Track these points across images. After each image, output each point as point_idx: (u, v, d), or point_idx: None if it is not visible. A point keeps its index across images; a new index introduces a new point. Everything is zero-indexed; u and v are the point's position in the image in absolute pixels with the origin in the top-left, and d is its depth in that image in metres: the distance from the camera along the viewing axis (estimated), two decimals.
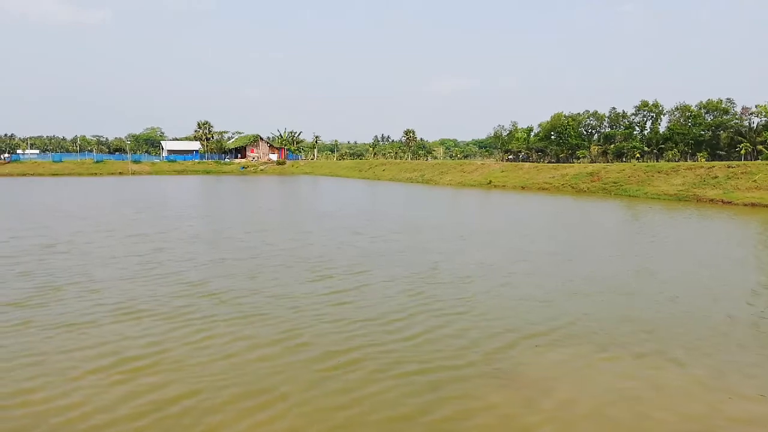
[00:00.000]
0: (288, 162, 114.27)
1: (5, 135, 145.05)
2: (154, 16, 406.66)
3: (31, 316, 10.42)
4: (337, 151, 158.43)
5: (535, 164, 70.78)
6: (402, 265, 15.81)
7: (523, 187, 57.72)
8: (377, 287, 13.08)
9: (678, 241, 21.33)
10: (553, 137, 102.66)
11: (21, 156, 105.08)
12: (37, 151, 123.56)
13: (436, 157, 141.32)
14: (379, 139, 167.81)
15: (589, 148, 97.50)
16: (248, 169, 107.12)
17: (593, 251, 18.61)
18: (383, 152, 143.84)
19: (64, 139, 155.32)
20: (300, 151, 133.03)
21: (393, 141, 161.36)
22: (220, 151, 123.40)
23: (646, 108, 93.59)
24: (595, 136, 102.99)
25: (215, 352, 8.70)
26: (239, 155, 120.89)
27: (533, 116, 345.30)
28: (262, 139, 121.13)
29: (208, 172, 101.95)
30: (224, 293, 12.36)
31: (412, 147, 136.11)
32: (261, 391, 7.31)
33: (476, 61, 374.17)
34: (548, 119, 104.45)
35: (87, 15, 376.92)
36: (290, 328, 9.89)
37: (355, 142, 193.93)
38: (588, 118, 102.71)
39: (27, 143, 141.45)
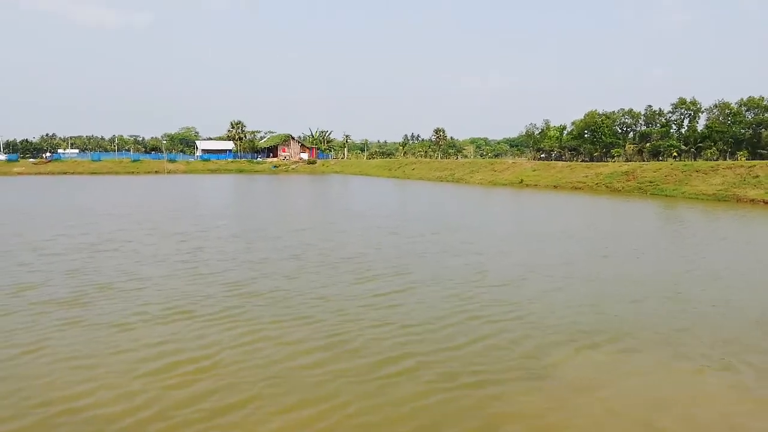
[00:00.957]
0: (318, 161, 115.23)
1: (47, 135, 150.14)
2: (192, 20, 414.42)
3: (81, 316, 10.57)
4: (366, 150, 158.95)
5: (569, 163, 69.75)
6: (444, 266, 15.64)
7: (555, 187, 56.97)
8: (423, 290, 12.88)
9: (735, 242, 20.75)
10: (586, 136, 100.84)
11: (62, 155, 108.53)
12: (77, 151, 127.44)
13: (466, 156, 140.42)
14: (409, 138, 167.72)
15: (624, 146, 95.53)
16: (280, 168, 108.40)
17: (642, 253, 18.03)
18: (413, 151, 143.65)
19: (102, 138, 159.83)
20: (330, 150, 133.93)
21: (423, 140, 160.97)
22: (253, 150, 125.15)
23: (684, 105, 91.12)
24: (631, 135, 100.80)
25: (267, 356, 8.62)
26: (271, 154, 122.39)
27: (566, 114, 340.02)
28: (293, 138, 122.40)
29: (240, 171, 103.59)
30: (269, 294, 12.38)
31: (442, 146, 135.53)
32: (318, 399, 7.19)
33: (508, 59, 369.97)
34: (582, 117, 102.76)
35: (127, 18, 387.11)
36: (339, 332, 9.78)
37: (385, 141, 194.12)
38: (623, 116, 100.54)
39: (67, 143, 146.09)
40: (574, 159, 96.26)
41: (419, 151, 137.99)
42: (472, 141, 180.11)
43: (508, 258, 17.16)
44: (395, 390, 7.49)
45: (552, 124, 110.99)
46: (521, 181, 62.42)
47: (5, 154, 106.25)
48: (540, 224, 26.61)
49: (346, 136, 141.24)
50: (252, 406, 6.99)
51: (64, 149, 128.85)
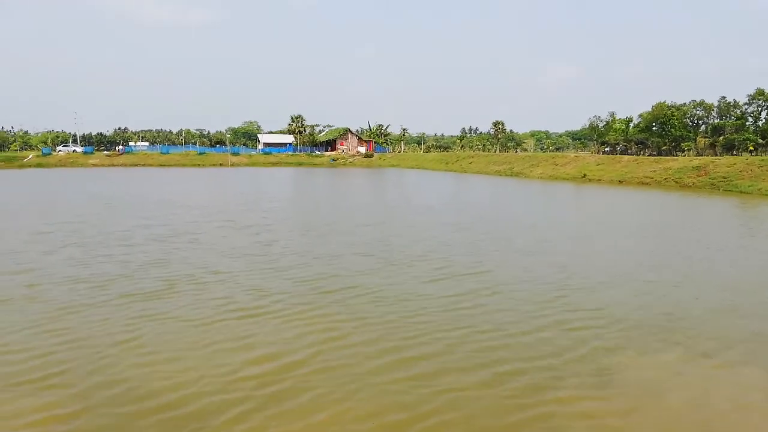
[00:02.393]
0: (375, 154, 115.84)
1: (119, 129, 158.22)
2: (256, 15, 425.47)
3: (165, 309, 10.80)
4: (423, 143, 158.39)
5: (635, 157, 66.98)
6: (523, 265, 15.30)
7: (620, 182, 54.88)
8: (506, 293, 12.50)
9: None
10: (654, 128, 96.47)
11: (133, 148, 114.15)
12: (147, 144, 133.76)
13: (525, 150, 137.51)
14: (467, 132, 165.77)
15: (695, 140, 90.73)
16: (338, 161, 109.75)
17: (733, 256, 17.04)
18: (470, 144, 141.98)
19: (170, 132, 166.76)
20: (387, 144, 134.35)
21: (481, 133, 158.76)
22: (312, 144, 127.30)
23: (762, 97, 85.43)
24: (702, 128, 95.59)
25: (352, 363, 8.42)
26: (329, 148, 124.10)
27: (633, 106, 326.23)
28: (351, 132, 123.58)
29: (300, 164, 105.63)
30: (346, 291, 12.34)
31: (501, 139, 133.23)
32: (392, 406, 7.15)
33: (573, 49, 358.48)
34: (650, 109, 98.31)
35: (194, 14, 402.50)
36: (420, 333, 9.67)
37: (442, 135, 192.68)
38: (694, 108, 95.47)
39: (138, 136, 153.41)
40: (641, 153, 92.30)
41: (477, 145, 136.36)
42: (533, 134, 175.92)
43: (587, 258, 16.61)
44: (488, 400, 7.39)
45: (617, 117, 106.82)
46: (584, 175, 60.51)
47: (82, 147, 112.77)
48: (615, 221, 25.72)
49: (404, 130, 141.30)
50: (332, 409, 6.98)
51: (135, 142, 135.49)
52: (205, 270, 14.19)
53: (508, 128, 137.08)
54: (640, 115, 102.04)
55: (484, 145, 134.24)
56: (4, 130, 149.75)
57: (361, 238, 19.81)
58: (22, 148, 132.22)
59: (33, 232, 19.84)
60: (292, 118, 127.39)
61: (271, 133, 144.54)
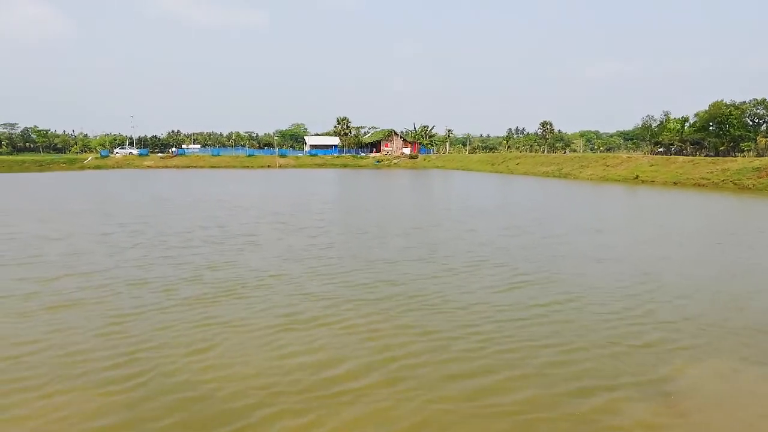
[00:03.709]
0: (420, 156, 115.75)
1: (172, 131, 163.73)
2: (304, 18, 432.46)
3: (228, 314, 10.74)
4: (469, 144, 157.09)
5: (691, 158, 64.42)
6: (605, 274, 14.48)
7: (675, 183, 52.94)
8: (589, 305, 11.65)
9: None
10: (711, 128, 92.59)
11: (185, 150, 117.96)
12: (199, 146, 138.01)
13: (575, 150, 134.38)
14: (513, 132, 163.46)
15: (755, 140, 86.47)
16: (382, 162, 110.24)
17: None
18: (517, 145, 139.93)
19: (221, 134, 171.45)
20: (432, 145, 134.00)
21: (528, 133, 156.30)
22: (357, 145, 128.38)
23: None
24: (763, 127, 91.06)
25: (411, 376, 8.09)
26: (374, 149, 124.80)
27: (688, 106, 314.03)
28: (396, 133, 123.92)
29: (345, 166, 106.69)
30: (409, 299, 11.87)
31: (549, 139, 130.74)
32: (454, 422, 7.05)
33: (624, 47, 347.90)
34: (706, 108, 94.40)
35: (245, 17, 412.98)
36: (481, 346, 9.21)
37: (488, 135, 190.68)
38: (754, 106, 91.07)
39: (190, 138, 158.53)
40: (697, 154, 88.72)
41: (524, 145, 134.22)
42: (582, 134, 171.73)
43: (663, 265, 15.61)
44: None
45: (672, 116, 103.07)
46: (636, 176, 58.66)
47: (137, 149, 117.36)
48: (681, 225, 24.64)
49: (448, 131, 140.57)
50: (382, 417, 6.99)
51: (188, 145, 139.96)
52: (265, 273, 14.21)
53: (556, 128, 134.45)
54: (696, 115, 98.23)
55: (531, 145, 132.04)
56: (66, 133, 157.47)
57: (416, 241, 19.51)
58: (82, 150, 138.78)
59: (97, 233, 20.69)
60: (337, 120, 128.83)
61: (317, 135, 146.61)
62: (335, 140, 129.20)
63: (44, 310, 10.81)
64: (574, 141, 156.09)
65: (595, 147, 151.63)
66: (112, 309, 10.97)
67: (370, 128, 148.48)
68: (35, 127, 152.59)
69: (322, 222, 24.95)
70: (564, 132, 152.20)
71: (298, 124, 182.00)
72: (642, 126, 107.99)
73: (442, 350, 9.13)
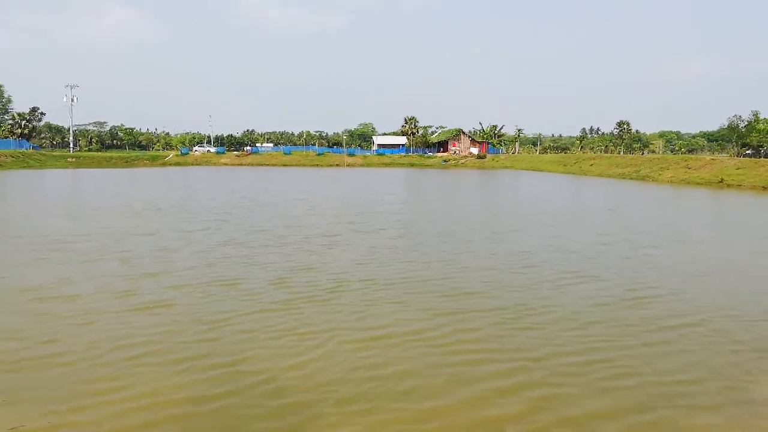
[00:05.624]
0: (488, 156, 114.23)
1: (247, 130, 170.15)
2: (377, 20, 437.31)
3: (318, 319, 10.83)
4: (540, 144, 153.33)
5: None
6: (732, 293, 13.07)
7: (764, 187, 49.55)
8: (702, 326, 10.52)
9: None
10: None
11: (259, 149, 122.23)
12: (272, 145, 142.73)
13: (653, 151, 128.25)
14: (587, 132, 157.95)
15: None
16: (449, 162, 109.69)
17: None
18: (591, 146, 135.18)
19: (292, 134, 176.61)
20: (501, 145, 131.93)
21: (603, 134, 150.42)
22: (424, 145, 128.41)
23: None
24: None
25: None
26: (441, 149, 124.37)
27: None
28: (464, 133, 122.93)
29: (411, 165, 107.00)
30: (511, 315, 11.04)
31: (626, 140, 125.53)
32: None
33: (708, 43, 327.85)
34: None
35: (324, 21, 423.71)
36: (575, 373, 8.29)
37: (560, 135, 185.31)
38: None
39: (264, 137, 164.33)
40: None
41: (598, 146, 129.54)
42: (661, 135, 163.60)
43: None
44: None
45: (761, 116, 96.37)
46: (721, 180, 55.36)
47: (215, 147, 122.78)
48: None
49: (519, 130, 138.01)
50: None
51: (261, 143, 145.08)
52: (353, 277, 13.96)
53: (633, 128, 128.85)
54: None
55: (606, 146, 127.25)
56: (150, 131, 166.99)
57: (503, 248, 18.67)
58: (164, 147, 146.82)
59: (182, 230, 21.79)
60: (405, 119, 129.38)
61: (384, 134, 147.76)
62: (402, 140, 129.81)
63: (137, 308, 11.23)
64: (653, 142, 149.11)
65: (676, 148, 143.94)
66: (200, 311, 11.11)
67: (437, 128, 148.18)
68: (122, 125, 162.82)
69: (400, 223, 25.03)
70: (642, 132, 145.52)
71: (366, 124, 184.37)
72: (728, 126, 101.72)
73: (521, 371, 8.62)
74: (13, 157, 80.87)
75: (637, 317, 11.07)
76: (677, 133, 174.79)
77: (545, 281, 13.87)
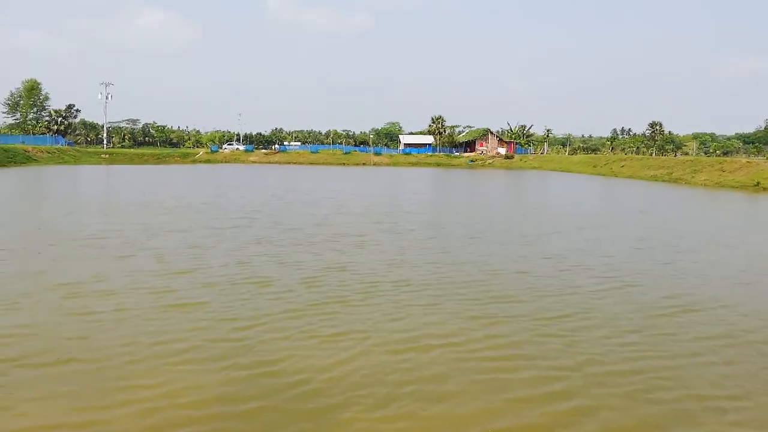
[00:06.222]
0: (516, 156, 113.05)
1: (275, 129, 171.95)
2: (403, 20, 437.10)
3: (353, 324, 10.82)
4: (569, 144, 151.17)
5: None
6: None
7: None
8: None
9: None
10: None
11: (287, 147, 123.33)
12: (299, 143, 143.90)
13: (686, 153, 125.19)
14: (618, 133, 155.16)
15: None
16: (476, 162, 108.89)
17: None
18: (622, 146, 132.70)
19: (319, 132, 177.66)
20: (529, 145, 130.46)
21: (634, 134, 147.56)
22: (451, 144, 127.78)
23: None
24: None
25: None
26: (468, 149, 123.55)
27: None
28: (491, 132, 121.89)
29: (438, 165, 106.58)
30: (552, 321, 10.69)
31: (658, 141, 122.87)
32: None
33: (750, 43, 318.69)
34: None
35: (347, 21, 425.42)
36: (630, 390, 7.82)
37: (590, 136, 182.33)
38: None
39: (291, 136, 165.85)
40: None
41: (630, 147, 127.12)
42: (695, 136, 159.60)
43: None
44: None
45: None
46: (757, 183, 53.70)
47: (243, 145, 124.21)
48: None
49: (548, 130, 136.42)
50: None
51: (289, 142, 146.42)
52: (383, 279, 13.80)
53: (666, 129, 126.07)
54: None
55: (638, 147, 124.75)
56: (181, 129, 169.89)
57: (536, 250, 18.24)
58: (194, 145, 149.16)
59: (214, 228, 22.01)
60: (432, 119, 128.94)
61: (411, 134, 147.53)
62: (429, 139, 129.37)
63: (170, 306, 11.35)
64: (686, 143, 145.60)
65: (710, 150, 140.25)
66: (232, 310, 11.12)
67: (465, 127, 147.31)
68: (154, 123, 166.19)
69: (429, 224, 24.89)
70: (675, 134, 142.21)
71: (393, 123, 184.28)
72: (765, 128, 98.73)
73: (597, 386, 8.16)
74: (49, 152, 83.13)
75: (676, 325, 10.71)
76: (712, 135, 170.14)
77: (580, 286, 13.53)
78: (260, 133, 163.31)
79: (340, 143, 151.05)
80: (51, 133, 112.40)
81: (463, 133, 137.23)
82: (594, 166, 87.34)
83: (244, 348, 9.15)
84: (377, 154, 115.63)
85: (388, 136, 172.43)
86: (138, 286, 12.61)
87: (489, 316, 11.09)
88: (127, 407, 7.04)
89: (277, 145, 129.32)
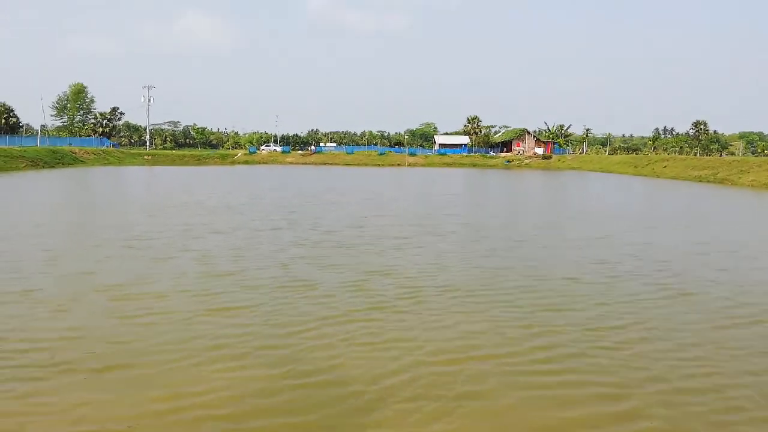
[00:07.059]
0: (554, 156, 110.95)
1: (312, 130, 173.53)
2: (440, 21, 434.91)
3: (396, 331, 10.60)
4: (609, 144, 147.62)
5: None
6: None
7: None
8: None
9: None
10: None
11: (323, 148, 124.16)
12: (335, 144, 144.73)
13: (732, 153, 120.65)
14: (660, 132, 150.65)
15: None
16: (513, 162, 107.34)
17: None
18: (664, 146, 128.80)
19: (355, 133, 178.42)
20: (568, 145, 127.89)
21: (678, 134, 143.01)
22: (487, 145, 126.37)
23: None
24: None
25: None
26: (504, 149, 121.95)
27: None
28: (528, 132, 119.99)
29: (474, 165, 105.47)
30: (604, 332, 10.21)
31: (702, 141, 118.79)
32: None
33: None
34: None
35: (388, 20, 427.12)
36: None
37: (631, 136, 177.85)
38: None
39: (327, 137, 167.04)
40: None
41: (672, 147, 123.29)
42: (742, 136, 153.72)
43: None
44: None
45: None
46: None
47: (280, 146, 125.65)
48: None
49: (587, 130, 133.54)
50: None
51: (325, 143, 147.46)
52: (427, 283, 13.50)
53: (711, 128, 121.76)
54: None
55: (681, 147, 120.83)
56: (220, 131, 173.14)
57: (585, 255, 17.58)
58: (233, 146, 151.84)
59: (253, 229, 22.14)
60: (468, 119, 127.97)
61: (446, 134, 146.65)
62: (465, 139, 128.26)
63: (214, 309, 11.31)
64: (732, 143, 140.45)
65: (758, 150, 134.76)
66: (276, 314, 11.06)
67: (501, 127, 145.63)
68: (194, 125, 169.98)
69: (470, 226, 24.48)
70: (720, 133, 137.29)
71: (428, 123, 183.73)
72: None
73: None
74: (95, 154, 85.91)
75: (743, 339, 10.05)
76: (759, 134, 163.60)
77: (633, 294, 12.91)
78: (296, 135, 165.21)
79: (375, 144, 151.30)
80: (96, 135, 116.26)
81: (499, 134, 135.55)
82: (635, 167, 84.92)
83: (290, 354, 8.99)
84: (412, 154, 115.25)
85: (423, 137, 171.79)
86: (183, 289, 12.65)
87: (539, 324, 10.64)
88: (173, 415, 6.97)
89: (313, 147, 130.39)
